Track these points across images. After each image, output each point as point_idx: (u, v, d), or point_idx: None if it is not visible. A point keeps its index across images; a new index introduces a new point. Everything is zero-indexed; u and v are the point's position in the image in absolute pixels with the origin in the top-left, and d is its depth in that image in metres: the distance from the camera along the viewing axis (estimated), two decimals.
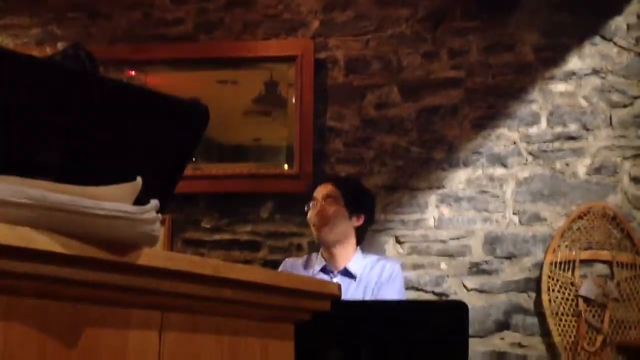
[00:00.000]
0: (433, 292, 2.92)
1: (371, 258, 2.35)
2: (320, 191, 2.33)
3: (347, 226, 2.30)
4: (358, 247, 2.35)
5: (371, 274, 2.26)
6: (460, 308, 1.56)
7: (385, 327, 1.55)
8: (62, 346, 0.74)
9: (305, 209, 2.35)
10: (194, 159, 3.03)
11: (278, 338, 1.01)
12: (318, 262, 2.32)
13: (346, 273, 2.28)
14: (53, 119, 0.84)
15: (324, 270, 2.30)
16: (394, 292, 2.22)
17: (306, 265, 2.35)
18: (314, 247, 2.84)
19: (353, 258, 2.30)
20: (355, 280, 2.25)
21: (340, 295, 1.03)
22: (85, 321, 0.77)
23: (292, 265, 2.38)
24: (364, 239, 2.42)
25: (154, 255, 0.78)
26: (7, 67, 0.82)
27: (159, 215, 0.77)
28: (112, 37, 3.26)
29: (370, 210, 2.40)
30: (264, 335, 0.99)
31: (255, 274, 0.92)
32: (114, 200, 0.74)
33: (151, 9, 3.27)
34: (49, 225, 0.70)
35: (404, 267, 2.94)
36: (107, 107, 0.89)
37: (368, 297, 2.23)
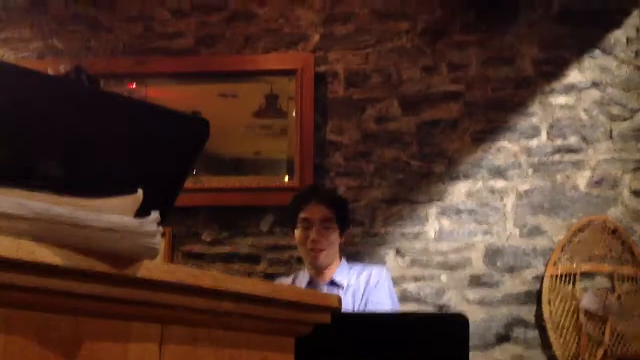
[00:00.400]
0: (434, 304, 2.92)
1: (357, 267, 2.36)
2: (315, 213, 2.27)
3: (337, 245, 2.33)
4: (343, 257, 2.36)
5: (358, 282, 2.27)
6: (460, 321, 1.55)
7: (386, 339, 1.54)
8: (61, 359, 0.74)
9: (297, 230, 2.29)
10: (194, 172, 3.03)
11: (278, 351, 1.01)
12: (304, 278, 2.33)
13: (333, 284, 2.28)
14: (54, 132, 0.85)
15: (310, 284, 2.30)
16: (383, 295, 2.23)
17: (294, 283, 2.36)
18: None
19: (339, 268, 2.31)
20: (342, 290, 2.26)
21: (340, 308, 1.03)
22: (85, 334, 0.77)
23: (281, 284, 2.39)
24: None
25: (154, 268, 0.78)
26: (9, 80, 0.83)
27: (160, 227, 0.77)
28: (113, 50, 3.28)
29: (349, 222, 2.44)
30: (264, 348, 0.98)
31: (255, 286, 0.92)
32: (114, 213, 0.75)
33: (152, 23, 3.28)
34: (50, 237, 0.70)
35: (404, 279, 2.94)
36: (108, 120, 0.89)
37: (357, 305, 2.23)
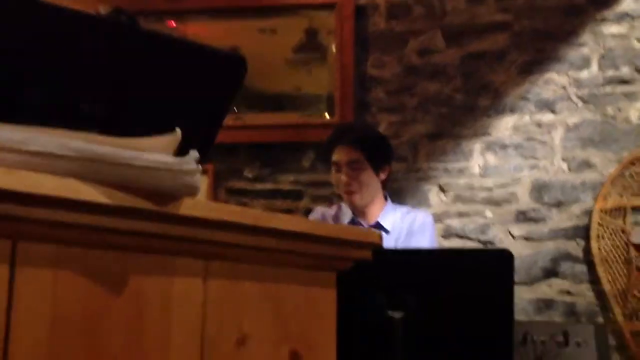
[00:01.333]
0: (478, 240, 2.91)
1: (401, 209, 2.34)
2: (342, 156, 2.23)
3: (376, 184, 2.28)
4: (387, 199, 2.34)
5: (402, 224, 2.26)
6: (504, 256, 1.54)
7: (429, 274, 1.55)
8: (109, 293, 0.77)
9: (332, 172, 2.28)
10: (235, 109, 3.04)
11: (320, 286, 1.02)
12: (347, 215, 2.32)
13: (379, 227, 2.26)
14: (94, 72, 0.85)
15: (352, 223, 2.29)
16: (424, 241, 2.21)
17: (335, 218, 2.35)
18: None
19: (384, 211, 2.29)
20: (386, 232, 2.25)
21: (381, 245, 1.03)
22: (131, 269, 0.79)
23: (322, 214, 2.39)
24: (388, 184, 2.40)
25: (195, 205, 0.79)
26: (51, 20, 0.83)
27: (199, 166, 0.77)
28: None
29: (392, 157, 2.36)
30: (306, 283, 1.00)
31: (295, 223, 0.93)
32: (155, 152, 0.75)
33: None
34: (92, 176, 0.71)
35: (448, 215, 2.93)
36: (148, 58, 0.89)
37: (398, 247, 2.23)
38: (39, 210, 0.68)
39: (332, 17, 3.06)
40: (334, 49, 3.06)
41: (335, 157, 2.26)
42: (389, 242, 2.22)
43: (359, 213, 2.30)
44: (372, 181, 2.26)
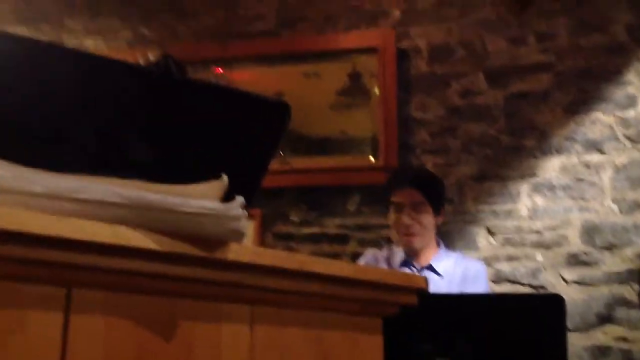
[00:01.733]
0: (530, 285, 2.83)
1: (455, 255, 2.32)
2: (405, 198, 2.24)
3: (433, 227, 2.28)
4: (441, 242, 2.33)
5: (455, 270, 2.23)
6: (556, 300, 1.50)
7: (478, 320, 1.52)
8: (159, 338, 0.77)
9: (390, 214, 2.28)
10: (281, 154, 3.07)
11: (366, 331, 1.01)
12: (399, 256, 2.30)
13: (431, 269, 2.24)
14: (143, 122, 0.88)
15: (405, 264, 2.27)
16: (479, 290, 2.18)
17: (388, 259, 2.33)
18: None
19: (438, 255, 2.27)
20: (438, 276, 2.22)
21: (427, 289, 1.02)
22: (180, 315, 0.80)
23: (374, 256, 2.37)
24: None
25: (241, 251, 0.80)
26: (104, 72, 0.86)
27: (245, 211, 0.78)
28: (198, 36, 3.36)
29: (445, 201, 2.37)
30: (352, 328, 0.99)
31: (339, 268, 0.92)
32: (201, 198, 0.76)
33: (234, 7, 3.33)
34: (141, 223, 0.73)
35: (497, 258, 2.88)
36: (195, 107, 0.91)
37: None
38: (92, 257, 0.70)
39: (375, 60, 3.09)
40: (377, 92, 3.08)
41: (396, 198, 2.26)
42: (441, 287, 2.19)
43: (412, 255, 2.28)
44: (431, 224, 2.27)
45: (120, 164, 0.82)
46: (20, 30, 3.45)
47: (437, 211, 2.27)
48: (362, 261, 2.38)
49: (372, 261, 2.35)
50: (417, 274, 2.23)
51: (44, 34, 3.50)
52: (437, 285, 2.19)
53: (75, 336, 0.70)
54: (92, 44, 3.43)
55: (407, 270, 2.25)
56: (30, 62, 0.79)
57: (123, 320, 0.75)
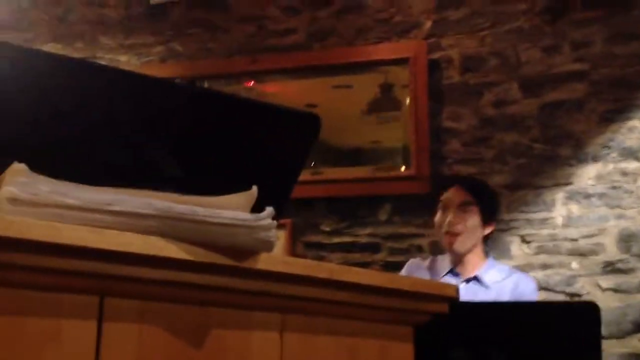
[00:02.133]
0: (565, 293, 2.79)
1: (504, 268, 2.27)
2: (455, 197, 2.20)
3: (479, 234, 2.22)
4: (489, 254, 2.28)
5: (504, 284, 2.17)
6: (591, 308, 1.48)
7: (512, 328, 1.50)
8: (191, 346, 0.79)
9: (436, 214, 2.24)
10: (312, 164, 3.09)
11: (397, 340, 1.01)
12: (445, 266, 2.26)
13: (478, 280, 2.20)
14: (174, 136, 0.90)
15: (450, 274, 2.23)
16: None
17: (431, 268, 2.29)
18: (435, 248, 2.81)
19: (485, 266, 2.22)
20: (485, 288, 2.18)
21: (457, 298, 1.02)
22: (211, 323, 0.82)
23: (417, 266, 2.34)
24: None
25: (271, 260, 0.81)
26: (137, 87, 0.89)
27: (275, 222, 0.79)
28: (229, 51, 3.40)
29: (497, 215, 2.32)
30: (382, 337, 0.99)
31: (369, 276, 0.93)
32: (232, 209, 0.78)
33: (264, 21, 3.37)
34: (174, 234, 0.75)
35: (531, 267, 2.84)
36: (224, 121, 0.93)
37: None
38: (125, 267, 0.72)
39: (406, 71, 3.10)
40: (408, 103, 3.08)
41: (444, 197, 2.22)
42: (487, 299, 2.13)
43: (457, 263, 2.23)
44: (477, 230, 2.21)
45: (153, 176, 0.85)
46: (56, 48, 3.55)
47: (486, 218, 2.21)
48: (403, 271, 2.36)
49: (414, 270, 2.31)
50: (460, 284, 2.17)
51: (78, 51, 3.58)
52: (483, 298, 2.14)
53: (108, 344, 0.72)
54: (125, 60, 3.50)
55: (451, 280, 2.19)
56: (64, 79, 0.81)
57: (155, 329, 0.76)
